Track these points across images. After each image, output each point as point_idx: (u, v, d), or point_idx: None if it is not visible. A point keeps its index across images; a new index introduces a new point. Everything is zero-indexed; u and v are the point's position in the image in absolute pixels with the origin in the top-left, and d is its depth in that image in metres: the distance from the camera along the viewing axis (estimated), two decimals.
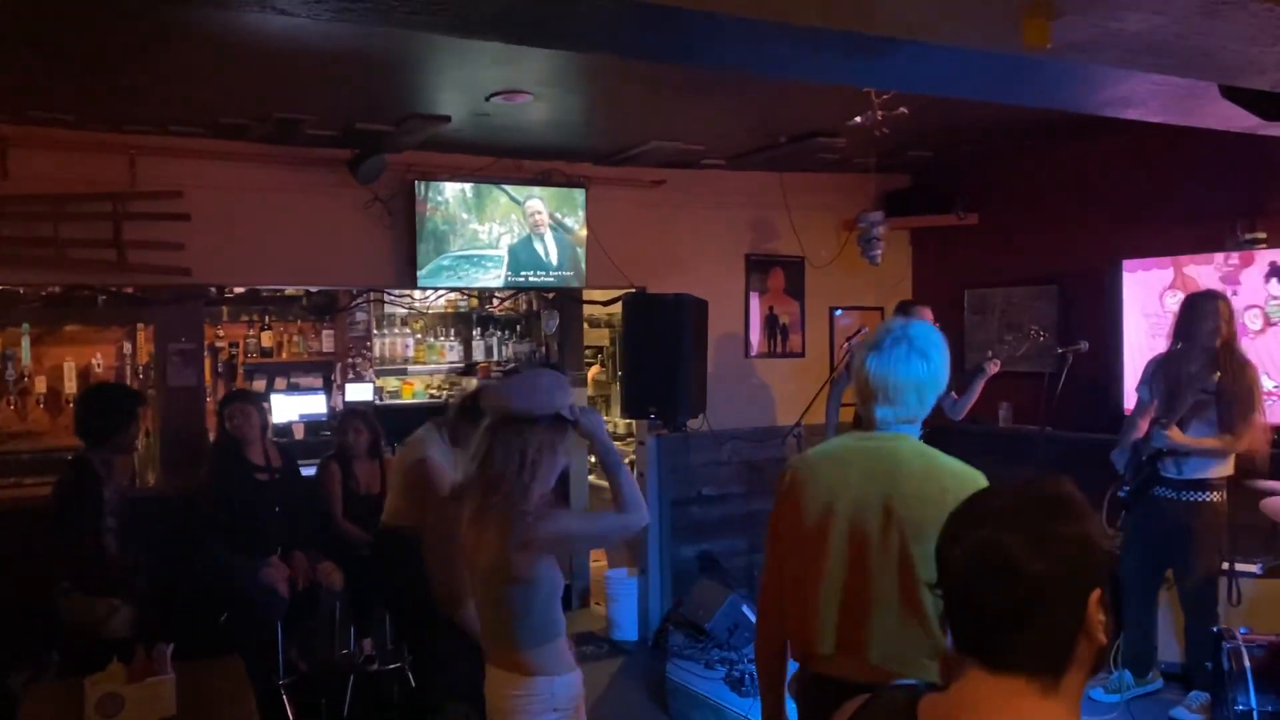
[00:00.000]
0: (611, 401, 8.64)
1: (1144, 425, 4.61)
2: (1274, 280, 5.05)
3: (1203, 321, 4.46)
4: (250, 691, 3.37)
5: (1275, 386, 4.77)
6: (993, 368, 5.60)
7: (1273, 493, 4.13)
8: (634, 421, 6.96)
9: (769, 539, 2.54)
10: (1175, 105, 2.66)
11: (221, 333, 7.24)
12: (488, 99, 4.74)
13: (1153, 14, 1.91)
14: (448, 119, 5.06)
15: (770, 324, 7.13)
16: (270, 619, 4.76)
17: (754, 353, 7.07)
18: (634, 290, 6.34)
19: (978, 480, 2.22)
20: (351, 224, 5.71)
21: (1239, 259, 5.18)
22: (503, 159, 6.02)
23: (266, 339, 7.43)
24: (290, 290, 7.35)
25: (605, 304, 7.11)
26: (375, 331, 7.86)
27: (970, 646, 1.28)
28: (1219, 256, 5.27)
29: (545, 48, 3.61)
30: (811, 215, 7.00)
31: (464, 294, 7.95)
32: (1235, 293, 5.05)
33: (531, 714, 2.71)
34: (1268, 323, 5.03)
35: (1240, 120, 2.75)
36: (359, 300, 7.61)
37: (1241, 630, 3.72)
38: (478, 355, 8.06)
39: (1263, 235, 5.12)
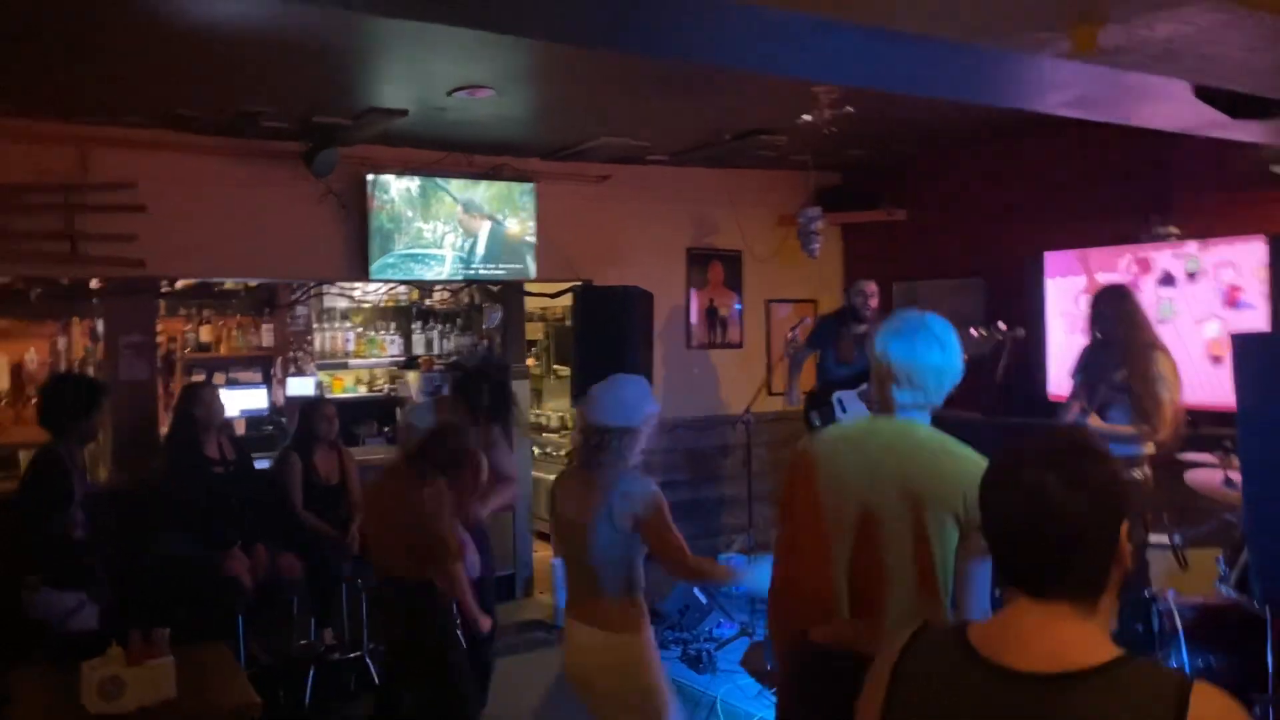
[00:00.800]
0: (544, 394, 8.77)
1: (1076, 409, 4.91)
2: (1166, 285, 5.49)
3: (1105, 320, 4.72)
4: (242, 673, 3.41)
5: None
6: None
7: (1198, 466, 4.42)
8: (571, 412, 7.12)
9: (782, 516, 2.62)
10: (1133, 105, 2.93)
11: (159, 327, 7.12)
12: (449, 94, 4.82)
13: (1183, 24, 2.13)
14: (404, 113, 5.12)
15: (710, 316, 7.35)
16: (232, 611, 4.76)
17: (694, 344, 7.27)
18: (580, 283, 6.48)
19: (984, 463, 2.34)
20: (305, 217, 5.73)
21: (1139, 266, 5.61)
22: (454, 154, 6.09)
23: (205, 333, 7.34)
24: (229, 284, 7.28)
25: (553, 296, 7.23)
26: (315, 325, 7.81)
27: (1017, 579, 1.45)
28: (1122, 264, 5.69)
29: (518, 35, 3.65)
30: (749, 211, 7.23)
31: (406, 286, 7.96)
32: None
33: (614, 669, 3.01)
34: (1158, 321, 5.44)
35: (1187, 119, 3.04)
36: (300, 294, 7.57)
37: (1170, 593, 4.02)
38: (418, 349, 8.07)
39: (1174, 230, 5.51)
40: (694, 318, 7.26)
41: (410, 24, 3.60)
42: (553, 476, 8.32)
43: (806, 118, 5.19)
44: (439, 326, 8.16)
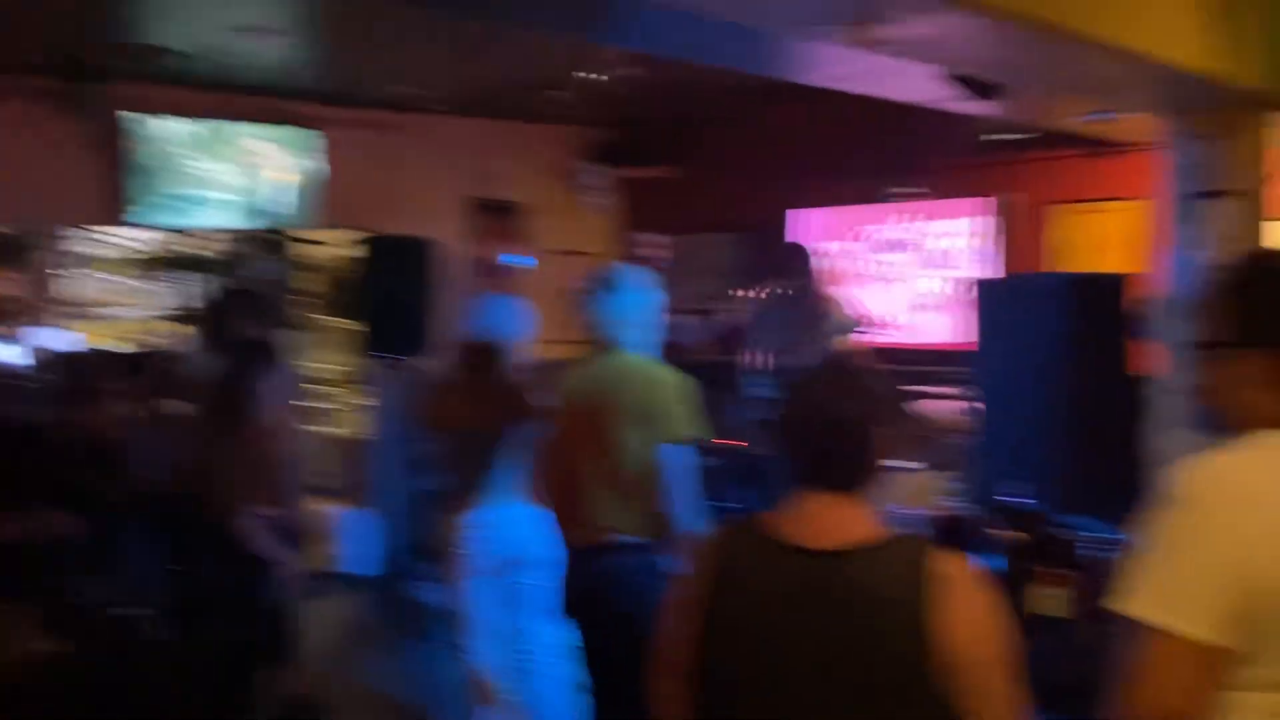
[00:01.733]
0: (321, 346, 8.61)
1: (751, 358, 5.44)
2: (887, 250, 6.56)
3: (797, 275, 5.29)
4: (37, 629, 3.32)
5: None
6: (722, 316, 6.23)
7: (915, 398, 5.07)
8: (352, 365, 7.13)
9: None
10: (882, 81, 3.43)
11: None
12: (231, 33, 4.70)
13: (936, 26, 2.67)
14: (181, 53, 4.94)
15: (491, 267, 7.47)
16: (9, 572, 4.54)
17: (476, 294, 7.38)
18: (368, 234, 6.44)
19: (673, 376, 2.98)
20: (62, 158, 5.41)
21: (867, 230, 6.54)
22: (233, 96, 5.90)
23: None
24: None
25: (323, 244, 7.13)
26: (68, 274, 7.30)
27: (806, 476, 1.79)
28: (862, 230, 6.64)
29: None
30: (531, 163, 7.41)
31: (172, 233, 7.57)
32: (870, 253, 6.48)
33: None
34: (878, 278, 6.55)
35: (925, 93, 3.59)
36: (49, 239, 7.06)
37: (913, 509, 4.59)
38: (183, 299, 7.71)
39: (913, 189, 6.20)
40: (475, 268, 7.37)
41: None
42: (331, 430, 8.21)
43: (585, 75, 5.41)
44: (207, 276, 7.82)
